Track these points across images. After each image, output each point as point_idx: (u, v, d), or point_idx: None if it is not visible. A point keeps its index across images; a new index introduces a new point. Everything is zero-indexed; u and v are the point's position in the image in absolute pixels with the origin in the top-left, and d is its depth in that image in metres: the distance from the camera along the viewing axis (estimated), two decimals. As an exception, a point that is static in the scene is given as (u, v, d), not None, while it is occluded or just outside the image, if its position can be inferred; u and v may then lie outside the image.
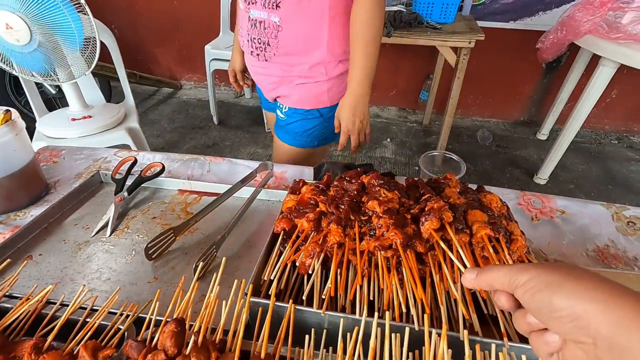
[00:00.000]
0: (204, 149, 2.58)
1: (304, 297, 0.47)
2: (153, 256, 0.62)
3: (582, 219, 0.75)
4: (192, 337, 0.40)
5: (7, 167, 0.71)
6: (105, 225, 0.70)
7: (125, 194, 0.76)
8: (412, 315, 0.43)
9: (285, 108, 1.07)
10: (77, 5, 1.30)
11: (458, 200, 0.57)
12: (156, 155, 0.94)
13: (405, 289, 0.47)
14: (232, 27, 2.36)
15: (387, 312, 0.43)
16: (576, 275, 0.28)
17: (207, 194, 0.80)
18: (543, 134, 2.78)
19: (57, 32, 1.30)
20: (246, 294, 0.45)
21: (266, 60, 0.99)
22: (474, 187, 0.65)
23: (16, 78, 2.18)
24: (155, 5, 3.00)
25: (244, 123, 2.90)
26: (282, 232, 0.56)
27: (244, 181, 0.76)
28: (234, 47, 1.21)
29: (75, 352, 0.43)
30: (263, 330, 0.42)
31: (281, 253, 0.54)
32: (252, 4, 0.93)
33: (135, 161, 0.84)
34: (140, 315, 0.49)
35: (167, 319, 0.44)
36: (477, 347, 0.41)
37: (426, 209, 0.53)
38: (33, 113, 1.73)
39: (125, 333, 0.46)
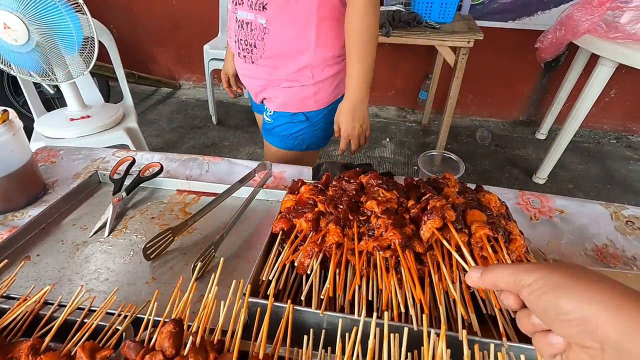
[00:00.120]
0: (203, 149, 2.58)
1: (302, 297, 0.47)
2: (151, 256, 0.62)
3: (580, 219, 0.76)
4: (190, 337, 0.40)
5: (4, 167, 0.71)
6: (104, 226, 0.70)
7: (124, 194, 0.76)
8: (411, 316, 0.43)
9: (270, 111, 1.06)
10: (75, 5, 1.29)
11: (457, 200, 0.57)
12: (155, 155, 0.93)
13: (404, 289, 0.47)
14: (231, 26, 2.36)
15: (385, 312, 0.43)
16: (584, 278, 0.27)
17: (206, 194, 0.80)
18: (542, 134, 2.78)
19: (55, 32, 1.29)
20: (244, 294, 0.45)
21: (253, 63, 0.97)
22: (472, 186, 0.66)
23: (14, 78, 2.19)
24: (154, 5, 2.99)
25: (242, 123, 2.90)
26: (281, 232, 0.56)
27: (243, 181, 0.76)
28: (227, 51, 1.19)
29: (72, 353, 0.42)
30: (261, 331, 0.42)
31: (280, 253, 0.54)
32: (239, 4, 0.92)
33: (134, 161, 0.84)
34: (138, 315, 0.48)
35: (165, 320, 0.44)
36: (476, 347, 0.41)
37: (428, 207, 0.53)
38: (31, 113, 1.73)
39: (123, 334, 0.46)
